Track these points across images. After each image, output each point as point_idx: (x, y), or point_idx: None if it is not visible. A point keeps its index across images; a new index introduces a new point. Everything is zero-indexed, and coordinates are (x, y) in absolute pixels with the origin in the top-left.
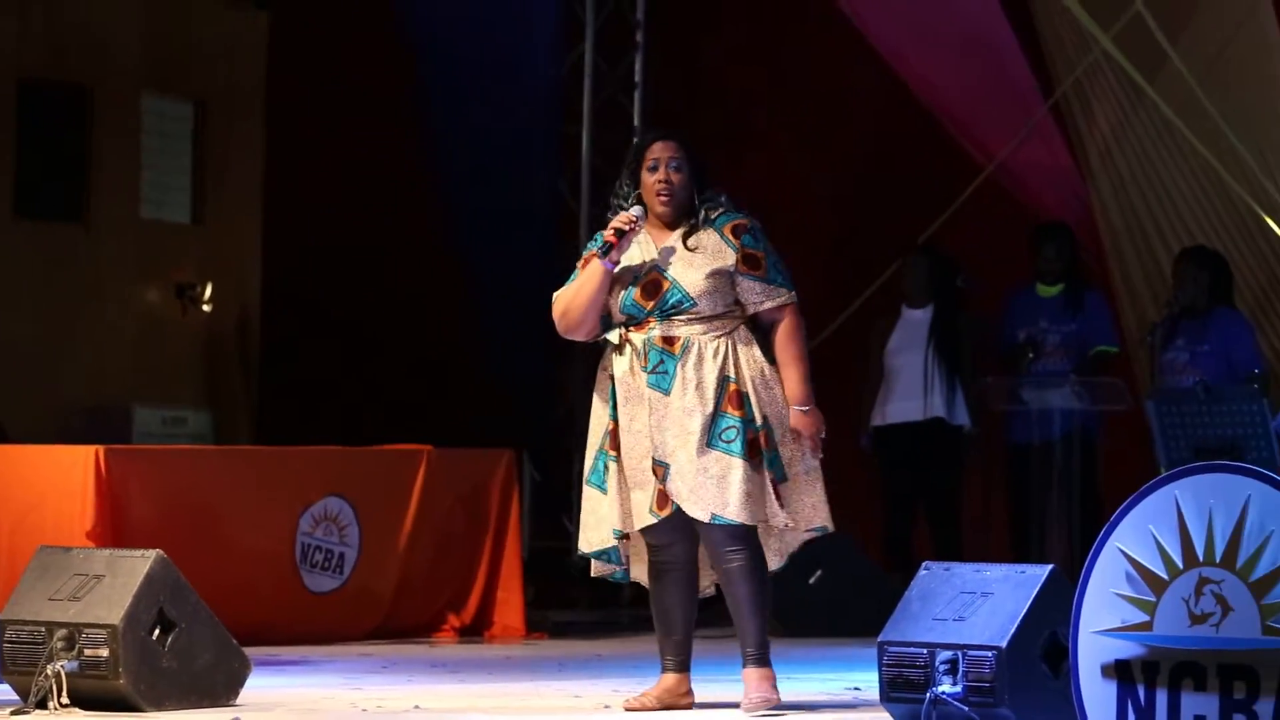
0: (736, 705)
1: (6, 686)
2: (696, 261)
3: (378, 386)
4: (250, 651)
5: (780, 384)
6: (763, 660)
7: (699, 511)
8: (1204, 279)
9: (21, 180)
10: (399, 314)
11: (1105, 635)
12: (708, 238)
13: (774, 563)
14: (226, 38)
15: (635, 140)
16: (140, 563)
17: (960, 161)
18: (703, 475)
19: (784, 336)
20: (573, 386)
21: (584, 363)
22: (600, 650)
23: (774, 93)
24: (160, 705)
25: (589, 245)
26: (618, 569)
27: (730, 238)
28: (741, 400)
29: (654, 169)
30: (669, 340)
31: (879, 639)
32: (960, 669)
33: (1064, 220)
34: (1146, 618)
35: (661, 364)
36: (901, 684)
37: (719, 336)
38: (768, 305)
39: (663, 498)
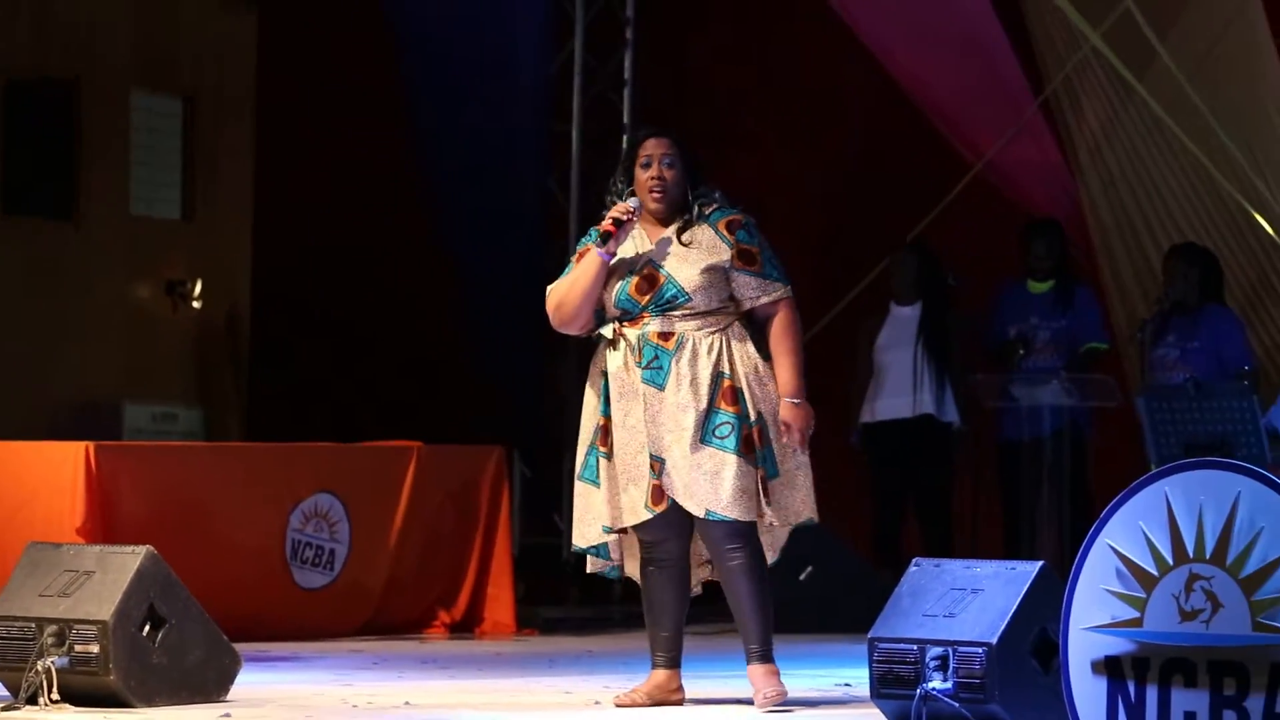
0: (726, 701)
1: None
2: (691, 257)
3: (368, 383)
4: (240, 647)
5: (774, 380)
6: (766, 657)
7: (694, 506)
8: (1194, 276)
9: (10, 177)
10: (389, 311)
11: (1095, 632)
12: (702, 233)
13: (768, 558)
14: (216, 34)
15: (626, 137)
16: (130, 559)
17: (950, 159)
18: (696, 471)
19: (779, 329)
20: (562, 382)
21: (574, 359)
22: (591, 647)
23: (763, 90)
24: (151, 701)
25: (583, 240)
26: (612, 564)
27: (725, 233)
28: (736, 396)
29: (647, 165)
30: (664, 336)
31: (869, 635)
32: (951, 665)
33: (1054, 217)
34: (1137, 614)
35: (656, 359)
36: (892, 680)
37: (713, 332)
38: (764, 300)
39: (658, 493)
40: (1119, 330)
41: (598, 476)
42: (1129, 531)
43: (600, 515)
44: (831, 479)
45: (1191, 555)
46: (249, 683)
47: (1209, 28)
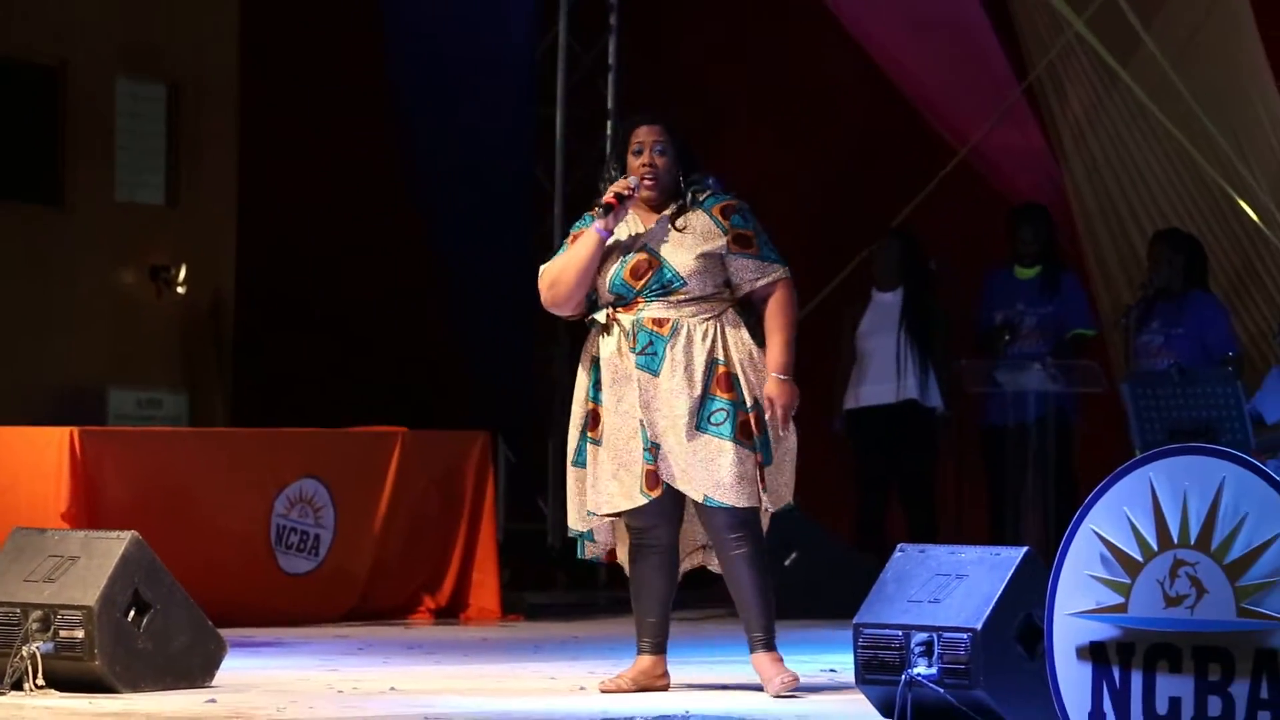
0: (712, 687)
1: None
2: (686, 242)
3: (352, 368)
4: (225, 633)
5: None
6: (770, 644)
7: (693, 491)
8: (1179, 262)
9: None
10: (374, 295)
11: (1080, 617)
12: (696, 219)
13: None
14: (200, 20)
15: (609, 122)
16: (115, 544)
17: (935, 147)
18: (693, 459)
19: (775, 307)
20: (549, 367)
21: (559, 343)
22: (576, 632)
23: (748, 75)
24: (136, 687)
25: (576, 225)
26: (607, 548)
27: (720, 218)
28: (731, 382)
29: (639, 153)
30: (659, 322)
31: (854, 621)
32: (935, 651)
33: (1040, 202)
34: (1121, 600)
35: (651, 345)
36: (877, 666)
37: (708, 319)
38: (763, 281)
39: (652, 478)
40: (1104, 316)
41: (587, 462)
42: (1114, 517)
43: (589, 500)
44: (815, 465)
45: (1176, 541)
46: (234, 668)
47: (1192, 14)
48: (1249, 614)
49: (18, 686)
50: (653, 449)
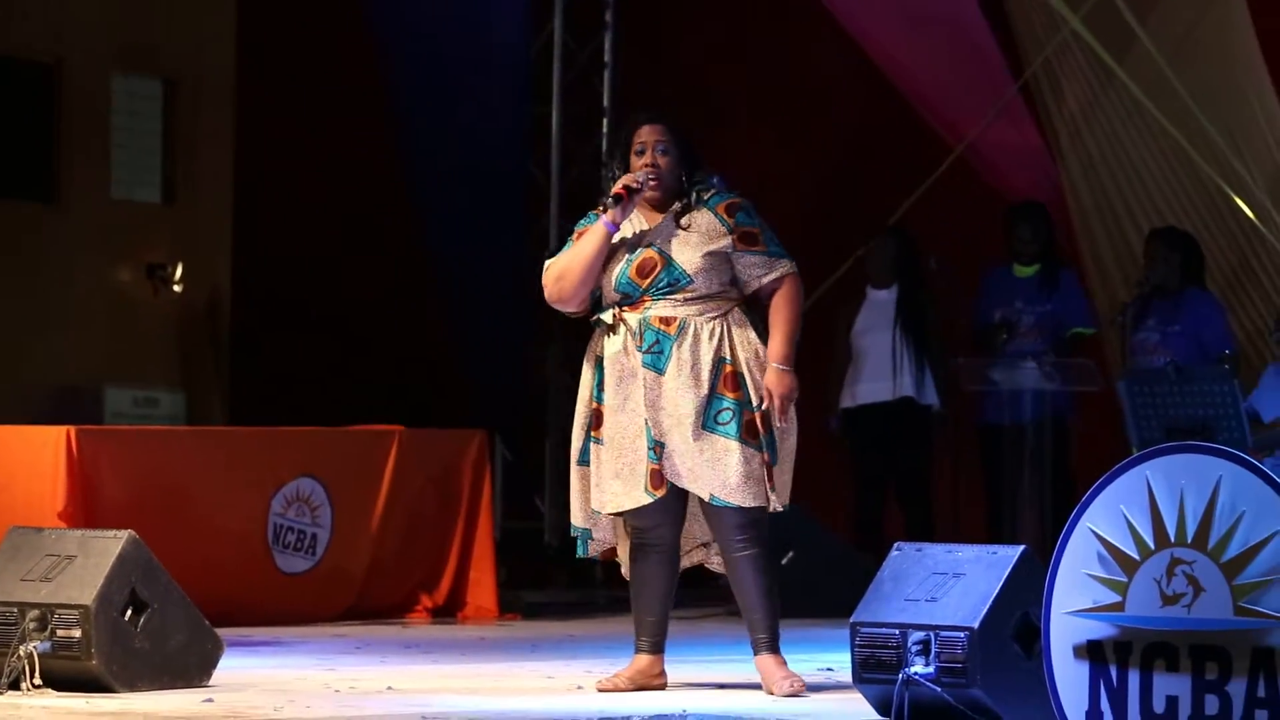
0: (708, 686)
1: None
2: (692, 240)
3: (349, 366)
4: (222, 632)
5: None
6: (775, 646)
7: (700, 490)
8: (1175, 259)
9: None
10: (370, 294)
11: (1077, 616)
12: (701, 217)
13: None
14: (196, 17)
15: (605, 120)
16: (112, 543)
17: (931, 145)
18: (699, 458)
19: (780, 300)
20: (545, 367)
21: (556, 342)
22: (573, 631)
23: (741, 71)
24: (133, 686)
25: (581, 222)
26: (609, 545)
27: (724, 216)
28: (738, 382)
29: (641, 153)
30: (666, 320)
31: (851, 620)
32: (932, 650)
33: (1038, 200)
34: (1118, 598)
35: (657, 344)
36: (874, 665)
37: (715, 318)
38: (770, 277)
39: (657, 477)
40: (1100, 314)
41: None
42: (1110, 515)
43: (593, 499)
44: (812, 463)
45: (1173, 539)
46: (231, 667)
47: (1188, 10)
48: (1246, 612)
49: (15, 686)
50: (657, 448)
